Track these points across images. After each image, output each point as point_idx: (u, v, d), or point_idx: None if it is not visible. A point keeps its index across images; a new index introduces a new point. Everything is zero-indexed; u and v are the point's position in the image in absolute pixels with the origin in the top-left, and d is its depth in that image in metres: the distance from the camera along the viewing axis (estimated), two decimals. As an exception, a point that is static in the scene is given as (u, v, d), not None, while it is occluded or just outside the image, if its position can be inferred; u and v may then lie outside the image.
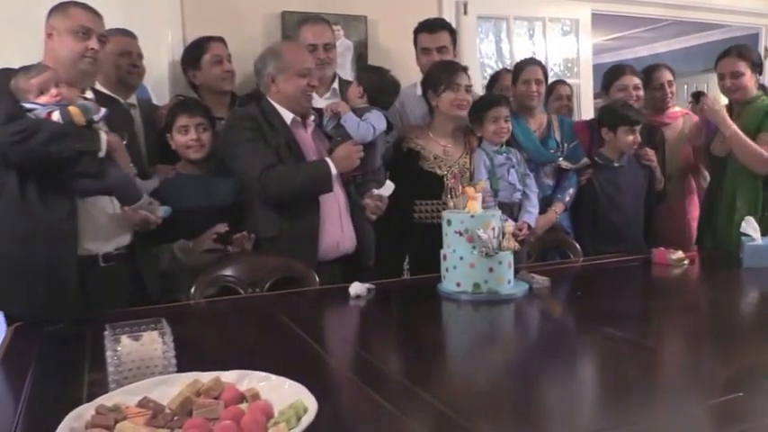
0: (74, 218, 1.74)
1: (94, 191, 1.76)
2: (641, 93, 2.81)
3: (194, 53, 2.53)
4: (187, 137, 2.15)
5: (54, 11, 1.83)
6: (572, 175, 2.63)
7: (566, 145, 2.64)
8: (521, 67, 2.68)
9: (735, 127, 2.52)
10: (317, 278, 2.04)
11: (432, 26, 2.73)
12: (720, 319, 1.67)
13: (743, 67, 2.55)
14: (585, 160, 2.61)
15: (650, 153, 2.68)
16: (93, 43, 1.80)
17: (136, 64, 2.40)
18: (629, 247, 2.53)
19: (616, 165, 2.62)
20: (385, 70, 2.36)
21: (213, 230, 2.06)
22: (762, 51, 4.33)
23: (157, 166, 2.21)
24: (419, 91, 2.54)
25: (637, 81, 2.81)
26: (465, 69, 2.43)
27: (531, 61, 2.76)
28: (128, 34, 2.39)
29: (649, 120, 2.91)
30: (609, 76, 2.89)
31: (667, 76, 2.95)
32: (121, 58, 2.34)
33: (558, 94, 3.09)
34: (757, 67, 2.61)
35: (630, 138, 2.55)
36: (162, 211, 1.89)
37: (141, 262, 1.93)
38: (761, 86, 2.66)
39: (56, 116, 1.67)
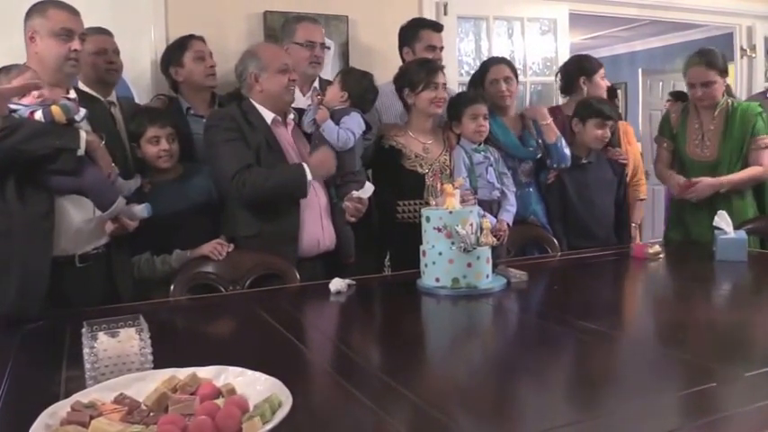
0: (51, 217, 1.72)
1: (69, 189, 1.75)
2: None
3: (177, 51, 2.53)
4: (158, 147, 2.13)
5: (33, 12, 1.80)
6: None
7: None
8: (486, 67, 2.64)
9: (724, 179, 2.54)
10: (298, 275, 2.04)
11: (436, 25, 2.78)
12: (694, 311, 1.71)
13: (713, 76, 2.53)
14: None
15: (620, 151, 2.72)
16: (76, 44, 1.80)
17: (112, 60, 2.38)
18: (601, 242, 2.57)
19: (584, 162, 2.64)
20: (367, 74, 2.35)
21: (216, 242, 2.06)
22: (737, 51, 4.42)
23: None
24: None
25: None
26: (442, 68, 2.44)
27: (497, 60, 2.70)
28: (102, 32, 2.37)
29: None
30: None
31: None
32: (98, 56, 2.33)
33: None
34: (724, 73, 2.60)
35: (599, 132, 2.58)
36: (142, 210, 1.86)
37: (116, 263, 1.92)
38: (725, 90, 2.66)
39: (38, 115, 1.67)
